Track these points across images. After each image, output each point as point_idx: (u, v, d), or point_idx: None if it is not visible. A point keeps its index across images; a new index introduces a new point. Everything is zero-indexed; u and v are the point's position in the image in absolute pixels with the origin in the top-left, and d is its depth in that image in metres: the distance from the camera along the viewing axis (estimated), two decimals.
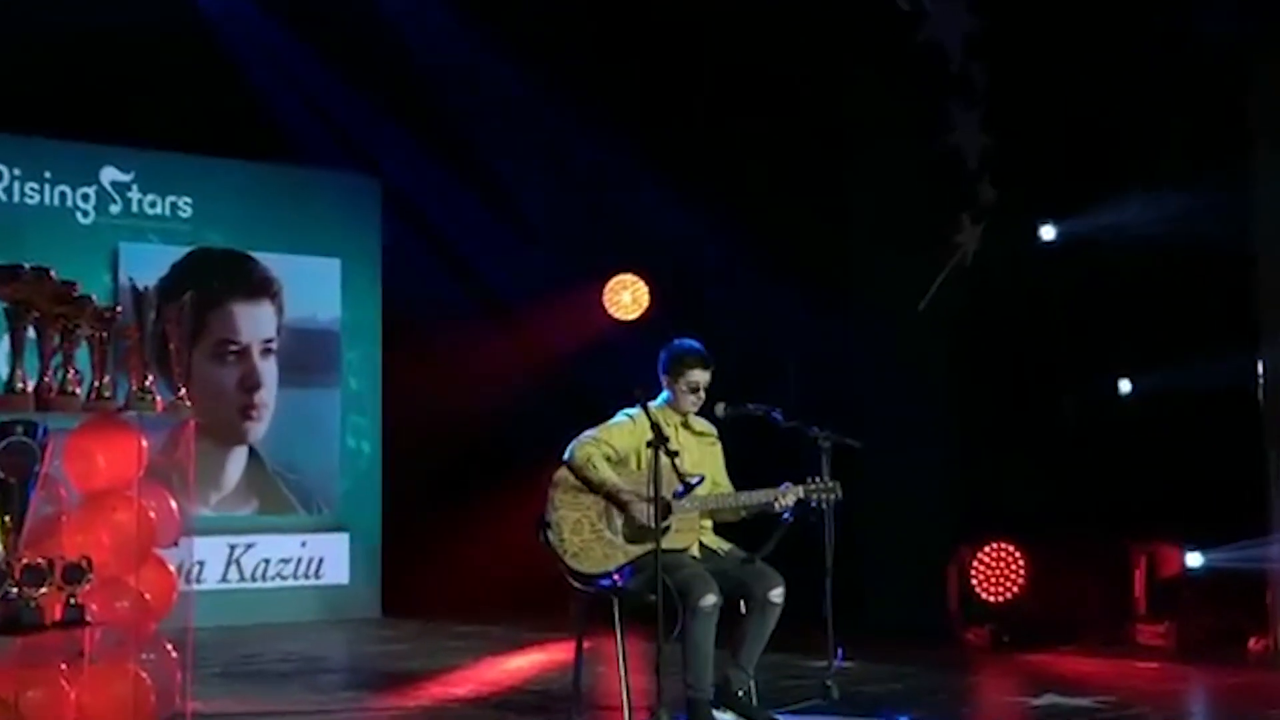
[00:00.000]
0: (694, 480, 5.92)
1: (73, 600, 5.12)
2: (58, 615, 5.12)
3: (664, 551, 5.73)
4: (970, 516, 9.16)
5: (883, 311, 9.70)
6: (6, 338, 5.22)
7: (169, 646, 5.53)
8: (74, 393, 5.22)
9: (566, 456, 6.12)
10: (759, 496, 6.11)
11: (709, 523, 6.29)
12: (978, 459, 9.27)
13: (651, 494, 5.72)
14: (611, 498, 6.07)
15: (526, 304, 10.73)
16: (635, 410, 6.17)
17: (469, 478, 10.51)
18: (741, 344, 9.77)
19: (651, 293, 10.76)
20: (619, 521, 6.09)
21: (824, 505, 6.04)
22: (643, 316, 10.71)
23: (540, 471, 6.25)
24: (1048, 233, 9.33)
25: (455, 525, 10.36)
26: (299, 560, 10.03)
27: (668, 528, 6.00)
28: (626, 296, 10.78)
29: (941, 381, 9.52)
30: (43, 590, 5.05)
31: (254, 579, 9.90)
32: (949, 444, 9.46)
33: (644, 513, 5.96)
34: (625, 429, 6.17)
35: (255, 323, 10.03)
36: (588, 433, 6.17)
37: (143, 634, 5.43)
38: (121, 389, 5.33)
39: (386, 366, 10.41)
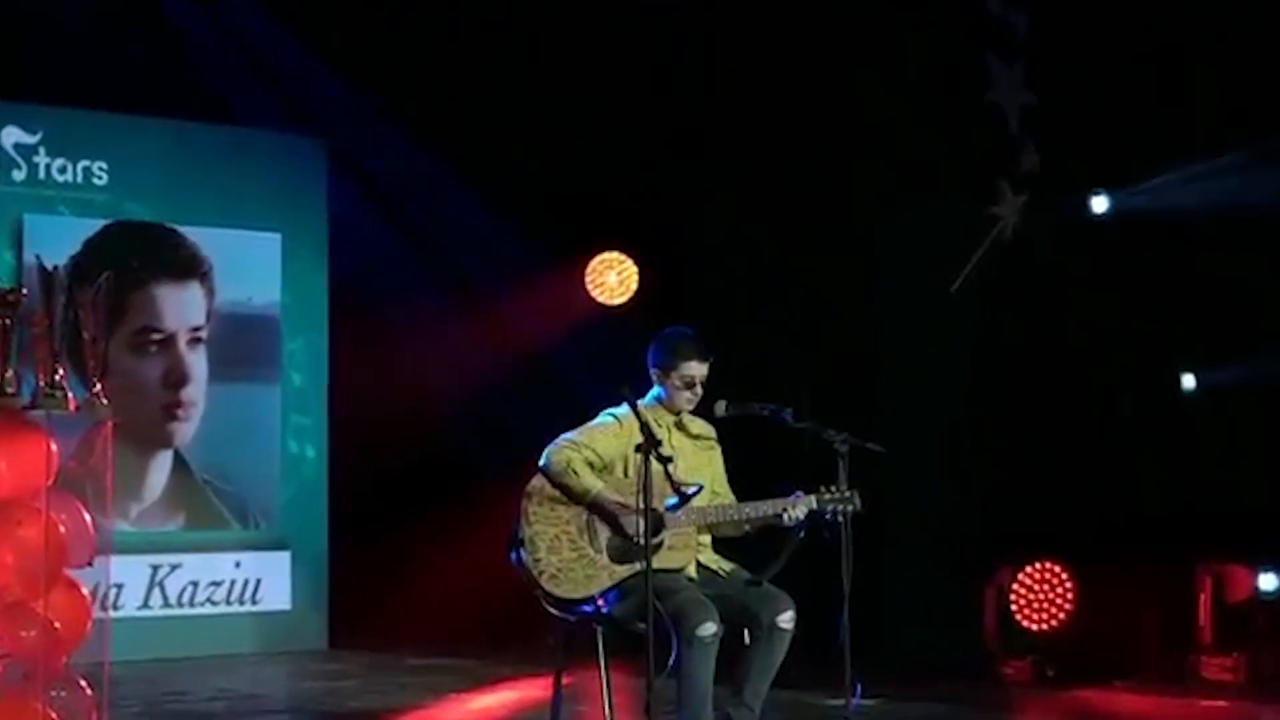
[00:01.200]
0: (690, 490, 5.96)
1: None
2: None
3: (655, 572, 5.75)
4: (1010, 532, 9.19)
5: (909, 295, 9.73)
6: None
7: (82, 682, 5.53)
8: None
9: (542, 463, 6.15)
10: (765, 508, 6.13)
11: (707, 539, 6.32)
12: (1018, 465, 9.30)
13: (641, 505, 5.73)
14: (595, 510, 6.10)
15: (496, 286, 10.74)
16: (622, 409, 6.19)
17: (430, 487, 10.51)
18: (745, 333, 9.81)
19: (641, 273, 10.78)
20: (603, 538, 6.11)
21: (840, 518, 6.07)
22: (631, 301, 10.73)
23: (512, 480, 6.27)
24: (1100, 204, 9.36)
25: (414, 542, 10.37)
26: (232, 583, 10.04)
27: (660, 545, 6.03)
28: (612, 277, 10.80)
29: (977, 376, 9.55)
30: None
31: (180, 604, 9.91)
32: (985, 448, 9.50)
33: (632, 527, 5.98)
34: (610, 431, 6.19)
35: (182, 308, 10.03)
36: (567, 435, 6.19)
37: (52, 668, 5.43)
38: (27, 385, 5.33)
39: (334, 358, 10.41)
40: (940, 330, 9.55)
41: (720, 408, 6.25)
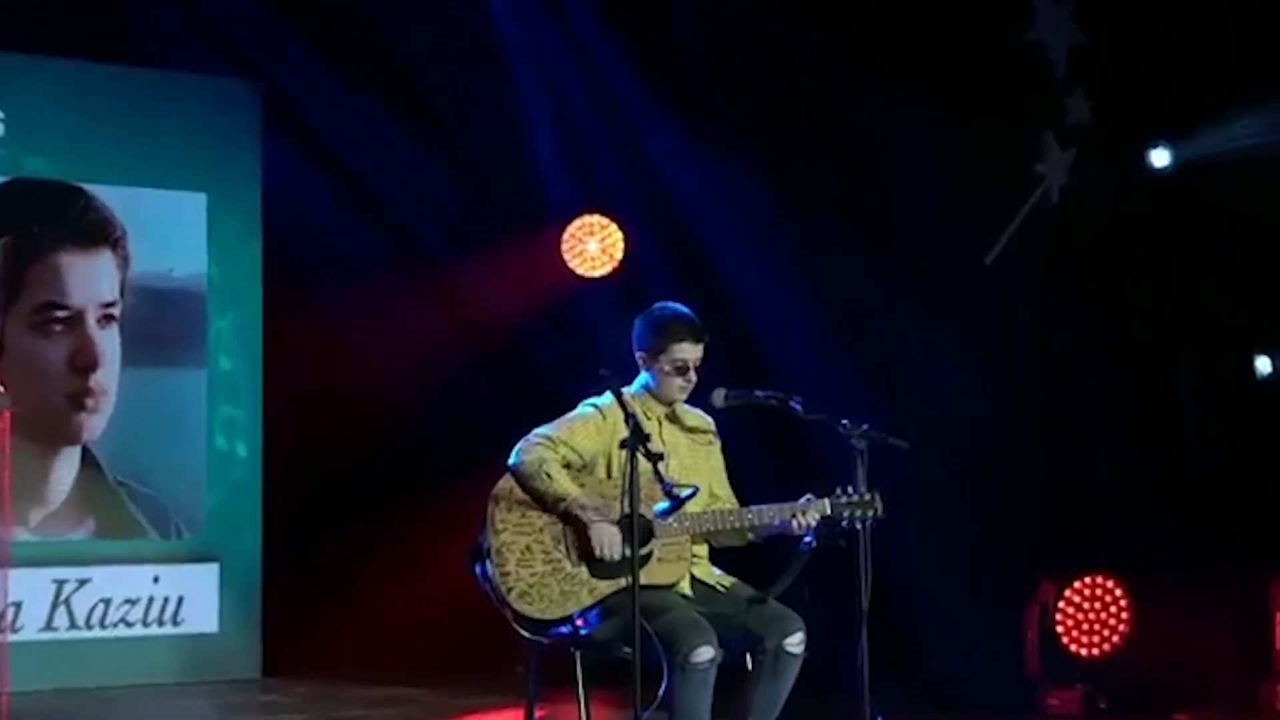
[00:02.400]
0: (684, 492, 5.98)
1: None
2: None
3: (644, 588, 5.79)
4: (1055, 541, 9.22)
5: (939, 267, 9.75)
6: None
7: None
8: None
9: (512, 462, 6.17)
10: (771, 514, 6.17)
11: (704, 549, 6.35)
12: (1065, 465, 9.33)
13: (627, 511, 5.74)
14: (572, 517, 6.12)
15: (458, 255, 10.73)
16: (605, 399, 6.22)
17: (381, 490, 10.52)
18: (748, 311, 9.82)
19: (626, 241, 10.78)
20: (582, 548, 6.12)
21: (859, 525, 6.10)
22: (615, 273, 10.73)
23: (477, 482, 6.30)
24: (1160, 158, 9.38)
25: (363, 554, 10.38)
26: (150, 601, 10.04)
27: (649, 556, 6.06)
28: (593, 245, 10.80)
29: (1017, 360, 9.58)
30: None
31: (89, 626, 9.91)
32: (1026, 444, 9.52)
33: (615, 538, 5.99)
34: (591, 424, 6.22)
35: (90, 280, 10.01)
36: (541, 430, 6.22)
37: None
38: None
39: (269, 339, 10.41)
40: (973, 309, 9.56)
41: (719, 397, 6.28)
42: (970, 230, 9.61)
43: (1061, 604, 9.02)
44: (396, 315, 10.65)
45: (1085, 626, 9.02)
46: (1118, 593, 9.03)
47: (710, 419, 6.46)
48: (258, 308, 10.41)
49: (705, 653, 5.90)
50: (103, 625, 9.92)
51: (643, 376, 6.36)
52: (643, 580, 5.79)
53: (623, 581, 5.93)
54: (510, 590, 6.08)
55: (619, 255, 10.74)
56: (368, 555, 10.35)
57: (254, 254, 10.42)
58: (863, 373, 9.60)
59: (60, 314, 9.89)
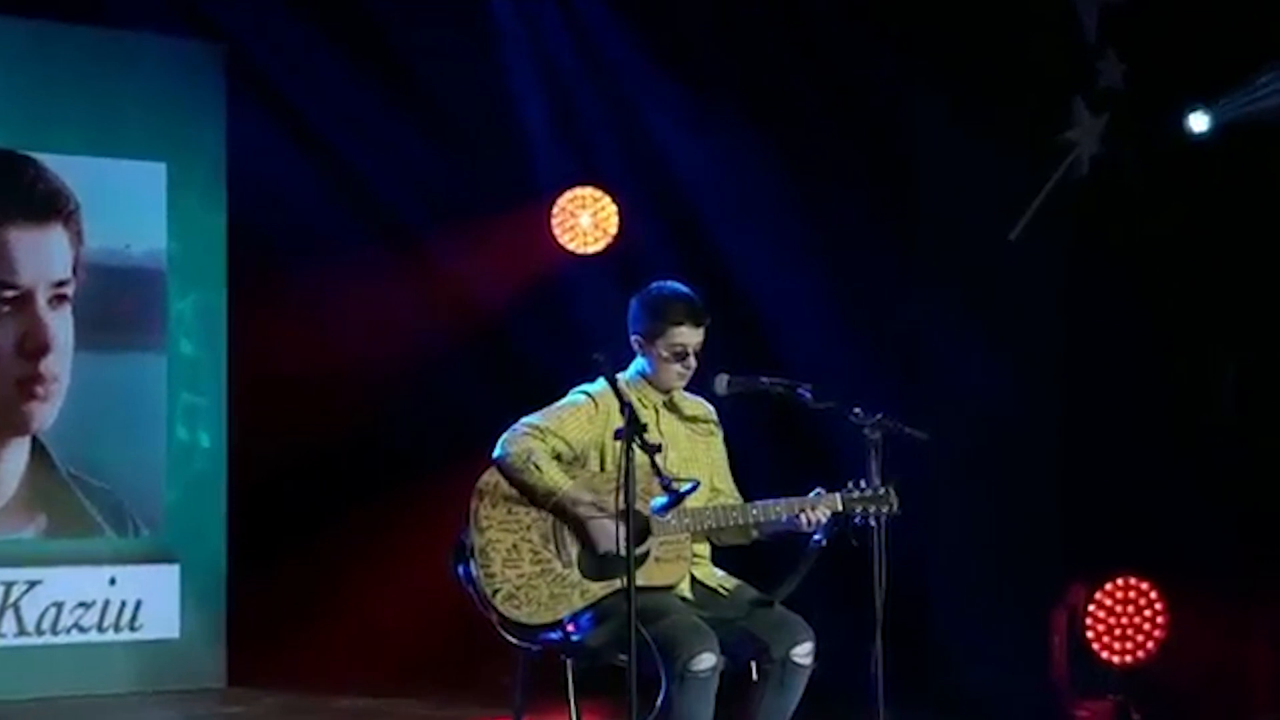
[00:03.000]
0: (684, 487, 5.99)
1: None
2: None
3: (640, 590, 5.80)
4: (1085, 540, 9.23)
5: (959, 245, 9.75)
6: None
7: None
8: None
9: (498, 454, 6.19)
10: (778, 510, 6.20)
11: (705, 549, 6.37)
12: (1096, 457, 9.33)
13: (622, 507, 5.76)
14: (563, 513, 6.14)
15: (440, 231, 10.73)
16: (597, 386, 6.24)
17: (356, 485, 10.53)
18: (754, 292, 9.82)
19: (621, 215, 10.78)
20: (574, 548, 6.16)
21: (872, 522, 6.12)
22: (609, 249, 10.73)
23: (459, 475, 6.32)
24: (1199, 122, 9.36)
25: (335, 554, 10.39)
26: (106, 604, 10.05)
27: (646, 556, 6.07)
28: (585, 220, 10.79)
29: (1044, 344, 9.58)
30: None
31: (39, 631, 9.92)
32: (1054, 435, 9.53)
33: (610, 535, 6.01)
34: (583, 413, 6.25)
35: (40, 257, 10.01)
36: (528, 419, 6.25)
37: None
38: None
39: (235, 322, 10.41)
40: (997, 290, 9.57)
41: (721, 383, 6.31)
42: (993, 205, 9.61)
43: (1092, 608, 9.04)
44: (373, 296, 10.63)
45: (1117, 632, 9.04)
46: (1152, 595, 9.05)
47: (711, 407, 6.48)
48: (222, 287, 10.41)
49: (706, 660, 5.93)
50: (54, 631, 9.93)
51: (639, 362, 6.38)
52: (639, 582, 5.80)
53: (617, 583, 5.94)
54: (495, 592, 6.10)
55: (613, 230, 10.73)
56: (341, 555, 10.36)
57: (218, 229, 10.41)
58: (877, 358, 9.62)
59: (8, 294, 9.89)
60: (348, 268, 10.58)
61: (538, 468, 6.11)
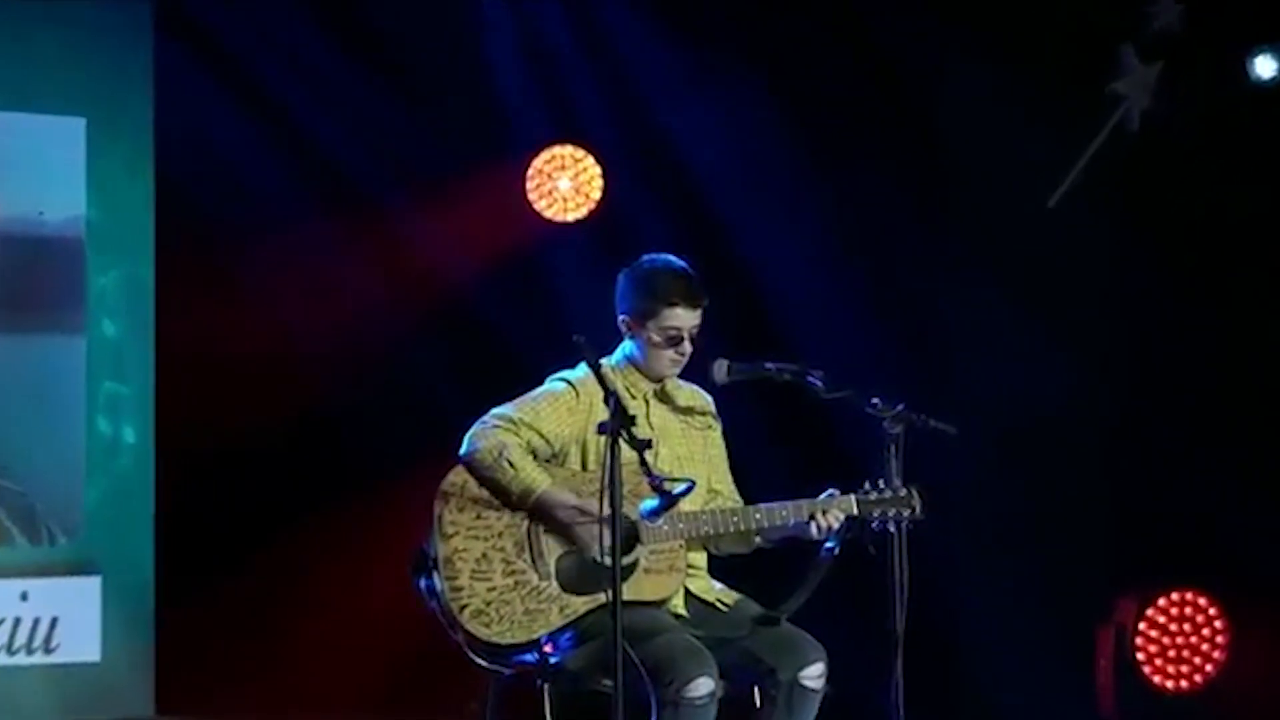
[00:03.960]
0: (678, 488, 6.02)
1: None
2: None
3: (628, 605, 5.82)
4: (1136, 549, 9.26)
5: (994, 213, 9.77)
6: None
7: None
8: None
9: (465, 450, 6.24)
10: (784, 513, 6.24)
11: (702, 558, 6.43)
12: (1149, 456, 9.36)
13: (607, 511, 5.79)
14: (540, 518, 6.19)
15: (401, 196, 10.74)
16: (579, 373, 6.29)
17: (303, 486, 10.52)
18: (758, 267, 9.84)
19: (606, 178, 10.80)
20: (552, 558, 6.21)
21: (892, 527, 6.17)
22: (592, 216, 10.75)
23: (421, 476, 6.36)
24: (1265, 67, 9.38)
25: (279, 565, 10.40)
26: (17, 623, 10.05)
27: (634, 567, 6.12)
28: (565, 183, 10.79)
29: (1089, 326, 9.60)
30: None
31: None
32: (1101, 429, 9.55)
33: (594, 542, 6.05)
34: (562, 404, 6.29)
35: None
36: (500, 410, 6.29)
37: None
38: None
39: (163, 300, 10.40)
40: (1036, 264, 9.58)
41: (720, 370, 6.35)
42: (1032, 167, 9.63)
43: (1143, 626, 9.07)
44: (323, 270, 10.61)
45: (1172, 654, 9.07)
46: (1212, 613, 9.08)
47: (709, 398, 6.53)
48: (149, 260, 10.38)
49: (703, 685, 5.96)
50: None
51: (626, 345, 6.42)
52: (627, 596, 5.82)
53: (602, 597, 5.95)
54: (463, 608, 6.14)
55: (597, 196, 10.70)
56: (287, 566, 10.34)
57: (144, 193, 10.38)
58: (900, 343, 9.61)
59: None
60: (294, 238, 10.56)
61: (511, 465, 6.14)
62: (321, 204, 10.70)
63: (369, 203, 10.71)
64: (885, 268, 9.92)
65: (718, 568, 6.45)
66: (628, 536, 6.04)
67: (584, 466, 6.26)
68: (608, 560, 5.78)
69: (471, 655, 6.19)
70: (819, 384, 6.29)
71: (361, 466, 10.20)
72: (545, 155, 10.68)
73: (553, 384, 6.35)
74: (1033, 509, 9.56)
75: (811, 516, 6.19)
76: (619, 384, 6.14)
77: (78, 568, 10.19)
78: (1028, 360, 9.55)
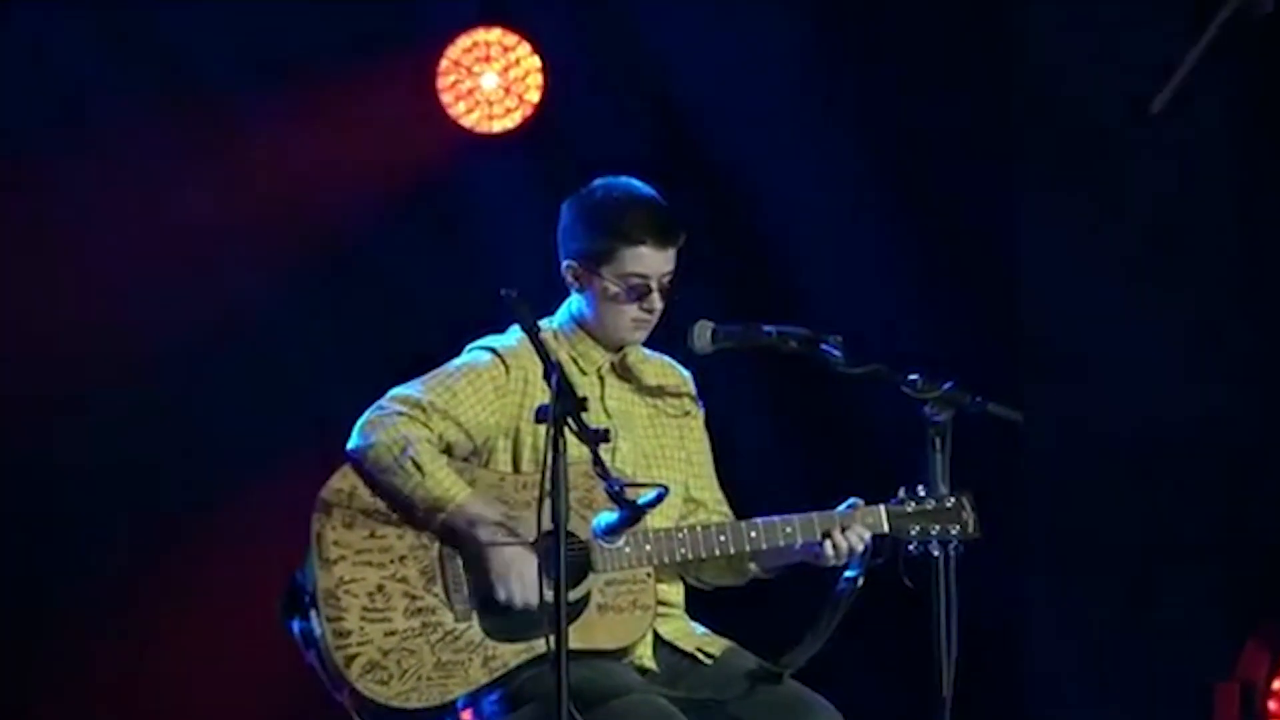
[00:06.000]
0: (645, 498, 6.02)
1: None
2: None
3: (577, 657, 5.84)
4: (1267, 586, 9.32)
5: (1080, 121, 9.81)
6: None
7: None
8: None
9: (354, 446, 6.27)
10: (789, 531, 6.26)
11: (678, 592, 6.46)
12: None
13: (548, 528, 5.81)
14: (456, 537, 6.21)
15: (264, 99, 10.77)
16: (508, 339, 6.34)
17: (133, 494, 10.55)
18: (758, 200, 9.86)
19: (546, 73, 10.83)
20: (472, 591, 6.23)
21: (936, 551, 6.21)
22: (526, 125, 10.78)
23: (290, 480, 6.38)
24: None
25: (105, 606, 10.43)
26: None
27: (584, 603, 6.15)
28: (490, 80, 10.84)
29: (1205, 274, 9.65)
30: None
31: None
32: (1222, 430, 9.61)
33: (528, 570, 6.09)
34: (485, 382, 6.33)
35: None
36: (401, 391, 6.31)
37: None
38: None
39: None
40: (1135, 186, 9.64)
41: (703, 336, 6.38)
42: (1130, 65, 9.68)
43: (1277, 684, 9.14)
44: (156, 201, 10.61)
45: None
46: None
47: (687, 374, 6.58)
48: None
49: None
50: None
51: (574, 302, 6.46)
52: (576, 644, 5.84)
53: (540, 646, 5.99)
54: (351, 661, 6.16)
55: (534, 98, 10.76)
56: (113, 604, 10.38)
57: None
58: (954, 306, 9.65)
59: None
60: (114, 156, 10.58)
61: (417, 467, 6.15)
62: (152, 110, 10.69)
63: (219, 106, 10.71)
64: (935, 205, 9.96)
65: (699, 605, 6.47)
66: (576, 563, 6.05)
67: (516, 468, 6.30)
68: (549, 595, 5.81)
69: None
70: (836, 354, 6.32)
71: (214, 467, 10.17)
72: (463, 42, 10.71)
73: (474, 355, 6.38)
74: (1129, 530, 9.62)
75: (826, 535, 6.20)
76: (564, 354, 6.17)
77: None
78: (1120, 331, 9.60)
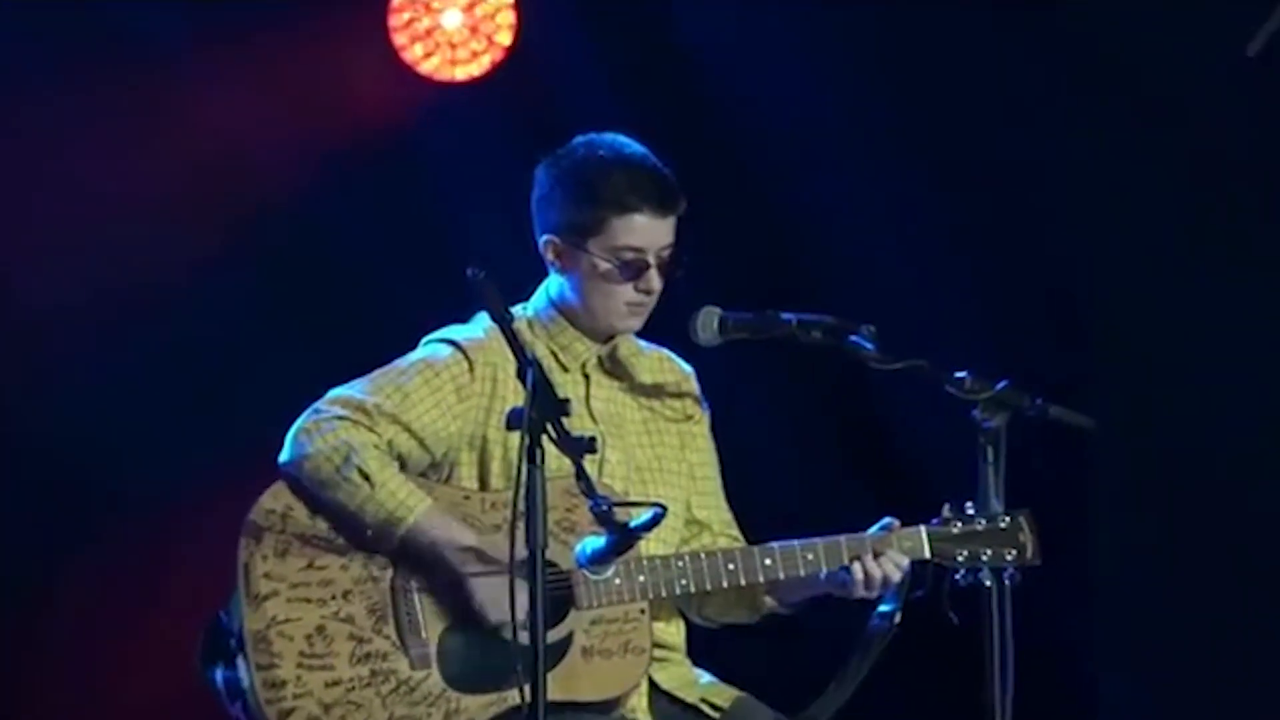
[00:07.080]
0: (638, 519, 5.98)
1: None
2: None
3: (559, 710, 5.82)
4: None
5: (1161, 69, 9.83)
6: None
7: None
8: None
9: (289, 457, 6.25)
10: (810, 558, 6.25)
11: (678, 632, 6.45)
12: None
13: (522, 555, 5.74)
14: (413, 565, 6.17)
15: (189, 42, 10.79)
16: (474, 331, 6.32)
17: (32, 515, 10.58)
18: (777, 167, 9.88)
19: (520, 10, 10.84)
20: (432, 632, 6.21)
21: (988, 581, 6.20)
22: (496, 73, 10.79)
23: (213, 498, 6.33)
24: None
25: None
26: None
27: (566, 645, 6.12)
28: (454, 19, 10.86)
29: None
30: None
31: None
32: None
33: (498, 607, 6.06)
34: (445, 382, 6.32)
35: None
36: (344, 393, 6.28)
37: None
38: None
39: None
40: (1231, 180, 9.65)
41: (709, 324, 6.38)
42: (1218, 27, 9.69)
43: None
44: (65, 163, 10.66)
45: None
46: None
47: (689, 369, 6.57)
48: None
49: None
50: None
51: (553, 284, 6.45)
52: (556, 695, 5.78)
53: (512, 698, 5.95)
54: (286, 716, 6.13)
55: (505, 40, 10.80)
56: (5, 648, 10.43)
57: None
58: (1006, 279, 9.68)
59: None
60: (19, 108, 10.62)
61: (365, 477, 6.12)
62: (57, 56, 10.73)
63: (139, 51, 10.73)
64: (982, 178, 9.99)
65: (703, 647, 6.44)
66: (556, 598, 6.01)
67: (483, 484, 6.27)
68: (523, 637, 5.75)
69: None
70: (868, 346, 6.30)
71: (126, 482, 10.18)
72: None
73: (431, 349, 6.36)
74: (1218, 558, 9.64)
75: (856, 561, 6.17)
76: (540, 347, 6.14)
77: None
78: (1214, 329, 9.63)
